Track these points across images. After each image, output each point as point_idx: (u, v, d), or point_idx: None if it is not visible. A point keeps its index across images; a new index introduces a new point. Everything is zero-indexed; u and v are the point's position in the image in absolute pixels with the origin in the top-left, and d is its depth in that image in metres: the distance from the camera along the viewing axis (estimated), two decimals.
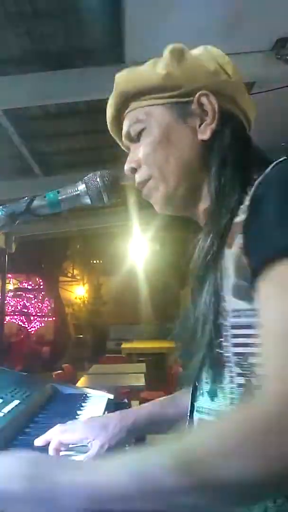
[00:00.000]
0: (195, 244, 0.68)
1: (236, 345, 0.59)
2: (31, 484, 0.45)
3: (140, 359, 7.30)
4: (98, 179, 0.77)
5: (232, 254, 0.59)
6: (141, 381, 3.79)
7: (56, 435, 0.77)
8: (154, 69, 0.71)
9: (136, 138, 0.75)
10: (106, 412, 1.06)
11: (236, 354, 0.59)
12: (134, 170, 0.75)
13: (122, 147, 0.82)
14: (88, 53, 2.79)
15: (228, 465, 0.42)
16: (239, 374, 0.59)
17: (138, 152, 0.74)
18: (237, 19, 2.33)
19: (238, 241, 0.59)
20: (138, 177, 0.75)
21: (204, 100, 0.69)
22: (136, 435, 0.83)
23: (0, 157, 4.25)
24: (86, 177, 0.78)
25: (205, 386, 0.66)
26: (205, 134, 0.69)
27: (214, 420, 0.53)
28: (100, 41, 2.70)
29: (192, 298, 0.67)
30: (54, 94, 2.96)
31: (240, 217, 0.60)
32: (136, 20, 2.38)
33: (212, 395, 0.63)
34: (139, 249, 7.99)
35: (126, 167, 0.76)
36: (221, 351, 0.60)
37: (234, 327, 0.59)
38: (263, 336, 0.51)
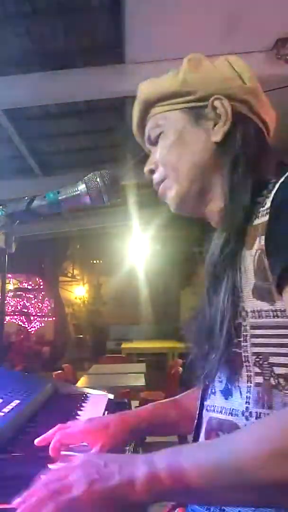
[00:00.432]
0: (209, 245, 0.70)
1: (256, 345, 0.61)
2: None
3: (140, 359, 7.30)
4: (98, 179, 0.77)
5: (252, 255, 0.61)
6: (141, 381, 3.79)
7: (56, 435, 0.77)
8: (174, 77, 0.76)
9: (155, 142, 0.79)
10: (106, 412, 1.06)
11: (255, 353, 0.60)
12: (152, 172, 0.79)
13: (146, 150, 0.86)
14: (88, 53, 2.79)
15: None
16: (258, 374, 0.60)
17: (156, 155, 0.79)
18: (237, 19, 2.33)
19: (259, 242, 0.60)
20: (155, 177, 0.79)
21: (217, 103, 0.72)
22: (136, 437, 0.83)
23: (0, 157, 4.25)
24: (86, 177, 0.78)
25: (218, 385, 0.67)
26: (217, 136, 0.72)
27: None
28: (100, 41, 2.70)
29: (207, 297, 0.68)
30: (54, 94, 2.96)
31: (261, 220, 0.62)
32: (136, 20, 2.38)
33: (227, 394, 0.64)
34: (139, 249, 7.99)
35: (146, 168, 0.80)
36: (240, 351, 0.62)
37: (253, 327, 0.61)
38: None
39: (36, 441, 0.78)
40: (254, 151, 0.71)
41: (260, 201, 0.64)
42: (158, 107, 0.77)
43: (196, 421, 0.72)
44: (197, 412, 0.72)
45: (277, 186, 0.61)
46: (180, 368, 4.05)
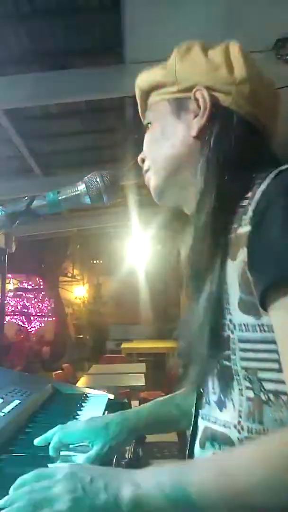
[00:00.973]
0: (185, 239, 0.69)
1: (244, 359, 0.59)
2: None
3: (140, 359, 7.31)
4: (98, 179, 0.77)
5: (236, 267, 0.59)
6: (141, 381, 3.79)
7: (56, 435, 0.77)
8: (162, 66, 0.74)
9: (146, 130, 0.79)
10: (106, 412, 1.06)
11: (244, 368, 0.59)
12: (143, 161, 0.79)
13: None
14: (88, 53, 2.78)
15: None
16: (248, 388, 0.59)
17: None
18: (237, 19, 2.33)
19: (243, 254, 0.57)
20: (144, 167, 0.79)
21: (198, 95, 0.69)
22: (136, 435, 0.83)
23: (0, 157, 4.25)
24: (86, 177, 0.78)
25: (212, 396, 0.65)
26: (192, 130, 0.69)
27: None
28: (100, 41, 2.70)
29: (189, 303, 0.67)
30: (54, 94, 2.96)
31: (244, 229, 0.58)
32: (136, 20, 2.38)
33: (221, 405, 0.63)
34: (139, 249, 7.98)
35: (139, 157, 0.79)
36: (229, 364, 0.60)
37: (241, 340, 0.59)
38: (285, 365, 0.52)
39: (35, 441, 0.78)
40: (233, 148, 0.65)
41: (244, 206, 0.60)
42: (151, 97, 0.76)
43: (191, 427, 0.71)
44: (192, 419, 0.72)
45: (259, 193, 0.57)
46: (180, 369, 4.04)
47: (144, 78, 0.77)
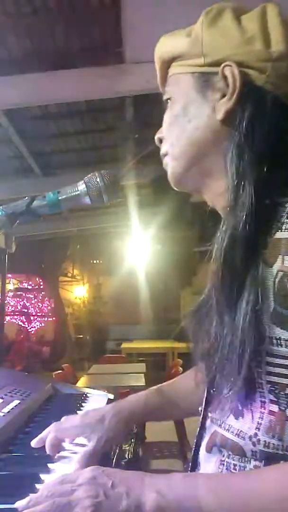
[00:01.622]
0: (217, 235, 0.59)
1: (271, 373, 0.54)
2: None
3: (140, 359, 7.31)
4: (98, 179, 0.77)
5: (272, 275, 0.53)
6: (141, 381, 3.79)
7: (52, 431, 0.76)
8: (187, 33, 0.64)
9: (166, 106, 0.70)
10: None
11: (270, 382, 0.54)
12: (160, 141, 0.71)
13: None
14: (88, 53, 2.79)
15: None
16: (273, 402, 0.54)
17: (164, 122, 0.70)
18: None
19: (282, 262, 0.52)
20: (161, 149, 0.71)
21: (227, 72, 0.59)
22: (134, 425, 0.81)
23: (0, 157, 4.25)
24: (86, 177, 0.78)
25: (227, 402, 0.60)
26: (219, 113, 0.60)
27: None
28: (100, 41, 2.70)
29: (218, 311, 0.57)
30: (54, 94, 2.96)
31: (284, 234, 0.52)
32: (136, 20, 2.38)
33: (237, 414, 0.58)
34: (139, 249, 7.99)
35: (156, 136, 0.72)
36: (253, 376, 0.55)
37: (271, 355, 0.53)
38: None
39: (32, 442, 0.77)
40: (269, 135, 0.56)
41: (285, 205, 0.54)
42: (173, 67, 0.67)
43: (198, 428, 0.68)
44: (200, 420, 0.68)
45: None
46: (180, 368, 4.05)
47: (165, 46, 0.68)
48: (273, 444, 0.54)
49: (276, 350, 0.53)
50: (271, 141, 0.57)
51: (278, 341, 0.52)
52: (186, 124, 0.64)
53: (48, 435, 0.76)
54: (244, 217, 0.55)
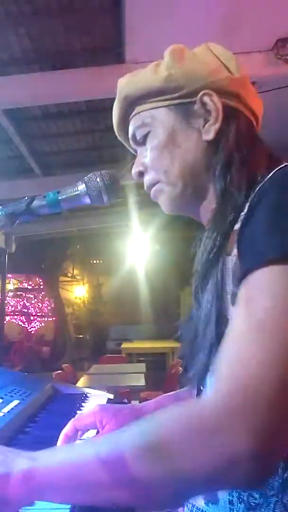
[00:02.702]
0: (197, 243, 0.67)
1: None
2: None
3: (140, 359, 7.31)
4: (98, 179, 0.77)
5: (231, 261, 0.59)
6: (141, 381, 3.79)
7: (70, 422, 0.79)
8: (156, 72, 0.70)
9: (142, 142, 0.75)
10: None
11: None
12: (141, 174, 0.75)
13: (131, 150, 0.82)
14: (88, 53, 2.79)
15: (177, 457, 0.45)
16: None
17: (144, 156, 0.74)
18: (237, 19, 2.34)
19: (235, 248, 0.58)
20: (146, 181, 0.75)
21: (206, 99, 0.68)
22: None
23: (0, 157, 4.25)
24: (86, 177, 0.78)
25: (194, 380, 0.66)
26: (209, 134, 0.68)
27: (172, 408, 0.51)
28: (100, 41, 2.70)
29: (195, 297, 0.66)
30: (54, 94, 2.96)
31: (239, 225, 0.60)
32: (136, 20, 2.38)
33: None
34: (139, 249, 7.99)
35: (134, 170, 0.76)
36: None
37: None
38: (225, 336, 0.51)
39: (59, 442, 0.78)
40: (247, 147, 0.67)
41: (244, 204, 0.61)
42: (141, 105, 0.73)
43: None
44: None
45: (255, 191, 0.58)
46: (180, 368, 4.05)
47: (132, 86, 0.73)
48: None
49: None
50: (247, 152, 0.67)
51: None
52: (176, 151, 0.70)
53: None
54: (230, 216, 0.62)
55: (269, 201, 0.54)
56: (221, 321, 0.59)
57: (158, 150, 0.72)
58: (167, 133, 0.71)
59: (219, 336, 0.59)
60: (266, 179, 0.58)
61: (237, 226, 0.60)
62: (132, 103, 0.74)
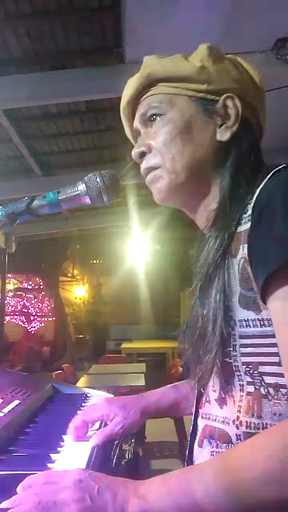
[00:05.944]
0: (200, 243, 0.69)
1: (245, 354, 0.60)
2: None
3: (140, 359, 7.31)
4: (98, 179, 0.77)
5: (236, 263, 0.60)
6: (141, 381, 3.79)
7: (80, 415, 0.81)
8: (188, 60, 0.71)
9: (149, 123, 0.74)
10: None
11: (245, 363, 0.60)
12: (143, 155, 0.74)
13: (127, 132, 0.81)
14: (88, 53, 2.79)
15: None
16: (249, 383, 0.59)
17: (150, 138, 0.73)
18: (237, 19, 2.34)
19: (242, 251, 0.59)
20: (146, 163, 0.73)
21: (229, 102, 0.70)
22: (145, 418, 0.85)
23: (0, 157, 4.25)
24: (86, 177, 0.78)
25: (212, 394, 0.66)
26: (224, 135, 0.70)
27: None
28: (100, 41, 2.70)
29: (200, 298, 0.66)
30: (54, 94, 2.96)
31: (244, 227, 0.61)
32: (136, 20, 2.38)
33: (221, 403, 0.64)
34: (139, 249, 7.99)
35: (136, 150, 0.74)
36: (230, 361, 0.61)
37: (242, 336, 0.60)
38: (283, 355, 0.53)
39: (70, 438, 0.79)
40: (254, 157, 0.70)
41: (245, 206, 0.63)
42: (163, 86, 0.72)
43: (191, 427, 0.72)
44: (192, 419, 0.72)
45: (257, 192, 0.59)
46: (180, 368, 4.05)
47: (159, 66, 0.72)
48: (254, 423, 0.58)
49: (245, 332, 0.60)
50: (255, 159, 0.70)
51: (246, 322, 0.59)
52: (189, 141, 0.70)
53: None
54: (235, 219, 0.63)
55: (281, 203, 0.54)
56: (227, 322, 0.60)
57: (171, 135, 0.70)
58: (184, 121, 0.70)
59: (226, 339, 0.61)
60: (266, 181, 0.59)
61: (241, 228, 0.62)
62: (153, 82, 0.73)
